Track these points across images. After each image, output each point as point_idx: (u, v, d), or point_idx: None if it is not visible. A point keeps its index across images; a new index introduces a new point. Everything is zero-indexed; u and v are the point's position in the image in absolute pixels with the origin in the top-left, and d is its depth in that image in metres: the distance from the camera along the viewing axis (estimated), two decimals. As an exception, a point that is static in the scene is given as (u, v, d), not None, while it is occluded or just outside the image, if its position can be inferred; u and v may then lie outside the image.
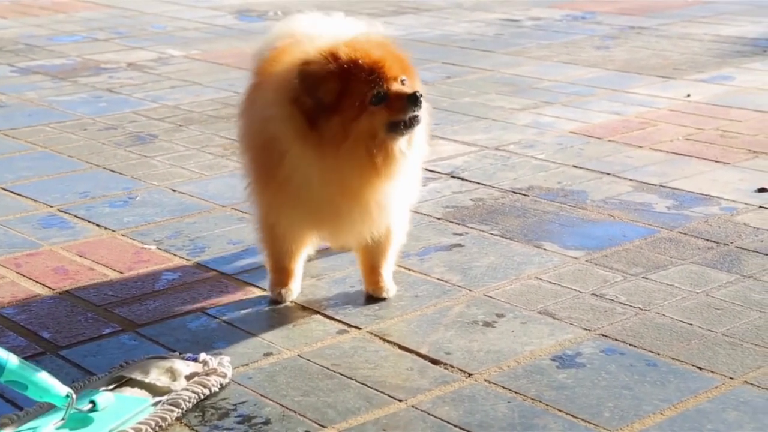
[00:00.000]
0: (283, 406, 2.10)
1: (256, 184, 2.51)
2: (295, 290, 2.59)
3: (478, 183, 3.45)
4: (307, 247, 2.61)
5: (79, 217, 3.21)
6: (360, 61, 2.27)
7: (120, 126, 4.25)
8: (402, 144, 2.33)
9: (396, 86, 2.30)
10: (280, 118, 2.34)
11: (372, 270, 2.58)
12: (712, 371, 2.20)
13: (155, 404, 2.08)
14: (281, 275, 2.58)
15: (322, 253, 2.81)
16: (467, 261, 2.81)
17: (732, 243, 2.89)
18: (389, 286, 2.58)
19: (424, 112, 2.34)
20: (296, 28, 2.61)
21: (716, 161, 3.61)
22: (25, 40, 6.14)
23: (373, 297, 2.58)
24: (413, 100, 2.28)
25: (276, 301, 2.57)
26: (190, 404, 2.09)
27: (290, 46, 2.48)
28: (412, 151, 2.37)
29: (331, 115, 2.27)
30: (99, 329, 2.46)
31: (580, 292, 2.60)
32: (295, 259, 2.58)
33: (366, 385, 2.17)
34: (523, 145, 3.87)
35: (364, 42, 2.33)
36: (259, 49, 2.65)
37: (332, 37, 2.37)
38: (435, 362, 2.27)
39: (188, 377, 2.17)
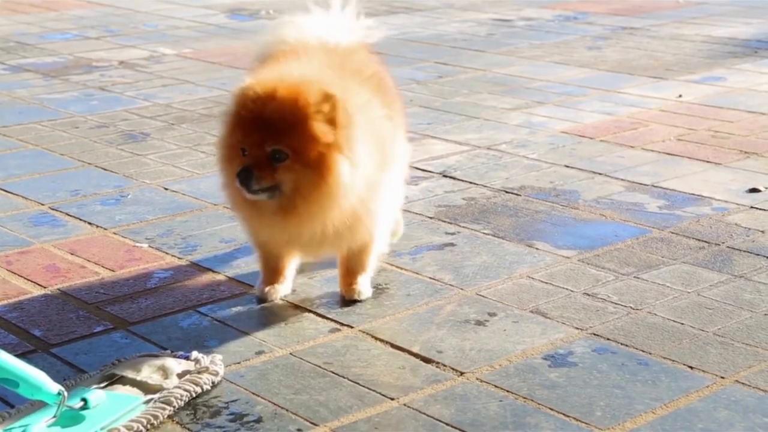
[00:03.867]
0: (275, 404, 2.10)
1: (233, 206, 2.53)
2: (282, 289, 2.58)
3: (470, 182, 3.46)
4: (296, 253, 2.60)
5: (70, 215, 3.20)
6: (243, 115, 2.27)
7: (112, 124, 4.24)
8: (270, 203, 2.31)
9: (254, 153, 2.26)
10: None
11: (348, 273, 2.58)
12: (703, 370, 2.21)
13: (147, 402, 2.08)
14: (271, 274, 2.59)
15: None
16: (459, 260, 2.81)
17: (723, 243, 2.89)
18: (362, 290, 2.57)
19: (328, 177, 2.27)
20: (302, 30, 2.60)
21: (708, 161, 3.62)
22: (16, 38, 6.12)
23: (345, 299, 2.57)
24: (239, 176, 2.26)
25: (261, 299, 2.57)
26: (182, 402, 2.09)
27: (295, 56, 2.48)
28: (294, 217, 2.31)
29: (225, 130, 2.34)
30: (90, 327, 2.46)
31: (572, 291, 2.61)
32: (284, 260, 2.58)
33: (358, 384, 2.17)
34: (515, 144, 3.88)
35: (276, 100, 2.24)
36: (264, 51, 2.64)
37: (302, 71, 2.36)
38: (427, 361, 2.27)
39: (180, 375, 2.17)
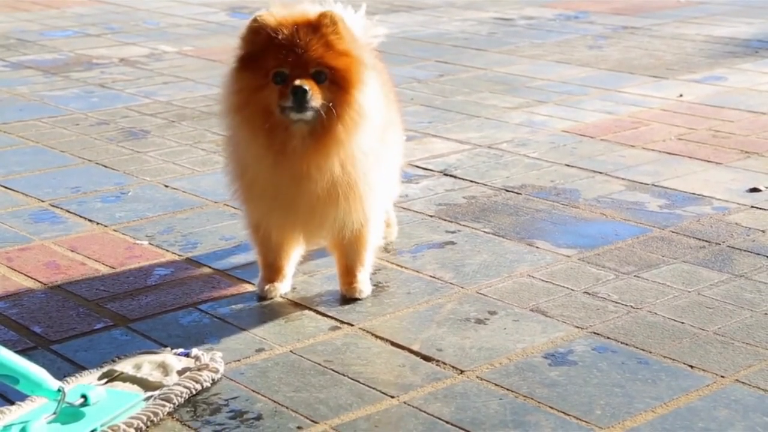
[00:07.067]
0: (275, 401, 2.10)
1: (235, 184, 2.52)
2: (281, 287, 2.58)
3: (471, 181, 3.45)
4: (295, 245, 2.59)
5: (71, 212, 3.20)
6: (281, 37, 2.30)
7: (112, 121, 4.24)
8: (300, 131, 2.33)
9: (298, 74, 2.30)
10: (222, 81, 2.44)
11: (347, 271, 2.58)
12: (703, 369, 2.21)
13: (147, 399, 2.08)
14: (270, 272, 2.59)
15: (315, 250, 2.81)
16: (460, 258, 2.81)
17: (724, 242, 2.89)
18: (362, 288, 2.57)
19: (365, 112, 2.34)
20: None
21: (708, 161, 3.62)
22: (17, 35, 6.12)
23: (346, 297, 2.57)
24: (294, 92, 2.28)
25: (261, 296, 2.57)
26: (182, 399, 2.09)
27: None
28: (329, 143, 2.34)
29: (246, 70, 2.35)
30: (91, 324, 2.46)
31: (573, 290, 2.60)
32: (283, 257, 2.57)
33: (358, 382, 2.17)
34: (515, 143, 3.88)
35: (312, 24, 2.32)
36: None
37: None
38: (427, 359, 2.27)
39: (180, 372, 2.17)
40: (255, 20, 2.35)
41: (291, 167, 2.36)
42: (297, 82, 2.29)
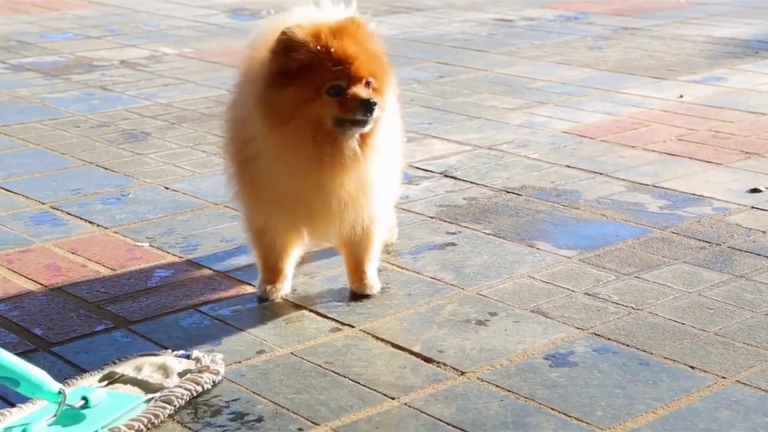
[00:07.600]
0: (275, 403, 2.10)
1: (237, 185, 2.52)
2: (282, 288, 2.58)
3: (471, 182, 3.46)
4: (296, 246, 2.60)
5: (71, 214, 3.20)
6: (332, 49, 2.29)
7: (113, 123, 4.24)
8: (351, 141, 2.34)
9: (356, 87, 2.30)
10: (252, 98, 2.39)
11: (356, 267, 2.59)
12: (704, 370, 2.21)
13: (148, 401, 2.08)
14: (270, 273, 2.59)
15: (315, 251, 2.81)
16: (460, 260, 2.81)
17: (724, 243, 2.89)
18: (373, 283, 2.58)
19: (389, 115, 2.39)
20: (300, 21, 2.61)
21: (709, 162, 3.62)
22: (18, 37, 6.12)
23: (357, 294, 2.58)
24: (366, 105, 2.29)
25: (263, 298, 2.57)
26: (183, 401, 2.09)
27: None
28: (369, 149, 2.37)
29: (288, 86, 2.30)
30: (91, 326, 2.46)
31: (573, 291, 2.60)
32: (284, 258, 2.58)
33: (359, 383, 2.17)
34: (516, 144, 3.88)
35: (349, 32, 2.33)
36: (261, 38, 2.65)
37: (322, 19, 2.40)
38: (428, 360, 2.27)
39: (181, 374, 2.17)
40: (286, 34, 2.30)
41: (326, 175, 2.36)
42: (363, 94, 2.29)
